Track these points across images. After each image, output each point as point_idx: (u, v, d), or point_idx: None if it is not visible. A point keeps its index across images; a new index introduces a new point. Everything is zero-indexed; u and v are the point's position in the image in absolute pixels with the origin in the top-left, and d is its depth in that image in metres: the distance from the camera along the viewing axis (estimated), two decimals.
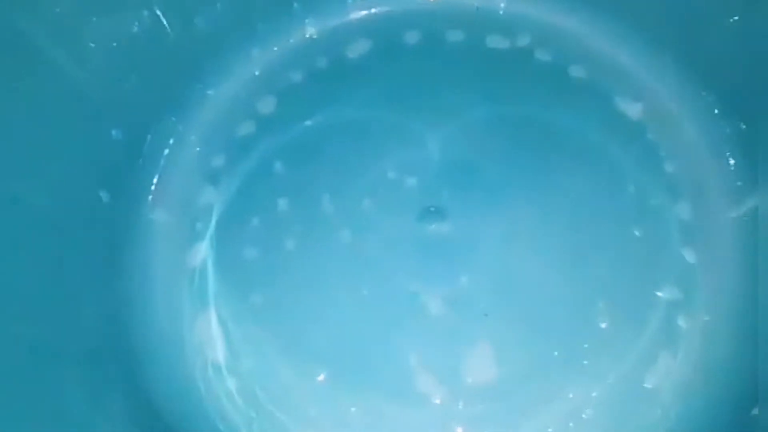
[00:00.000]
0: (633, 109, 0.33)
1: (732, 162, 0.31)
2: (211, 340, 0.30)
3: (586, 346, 0.28)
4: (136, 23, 0.32)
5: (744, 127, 0.31)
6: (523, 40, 0.35)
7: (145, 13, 0.32)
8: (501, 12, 0.35)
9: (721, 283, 0.29)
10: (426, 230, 0.31)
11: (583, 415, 0.27)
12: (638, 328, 0.28)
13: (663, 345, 0.28)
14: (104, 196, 0.31)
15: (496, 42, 0.35)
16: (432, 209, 0.31)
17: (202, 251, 0.31)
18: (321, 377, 0.29)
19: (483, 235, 0.31)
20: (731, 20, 0.30)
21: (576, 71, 0.34)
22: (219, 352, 0.29)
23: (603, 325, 0.29)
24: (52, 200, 0.29)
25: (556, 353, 0.28)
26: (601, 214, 0.31)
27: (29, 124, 0.28)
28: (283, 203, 0.32)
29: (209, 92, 0.35)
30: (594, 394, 0.27)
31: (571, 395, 0.27)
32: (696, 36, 0.32)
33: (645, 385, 0.28)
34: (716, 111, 0.32)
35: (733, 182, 0.31)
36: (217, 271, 0.31)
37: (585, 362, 0.28)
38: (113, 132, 0.31)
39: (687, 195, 0.31)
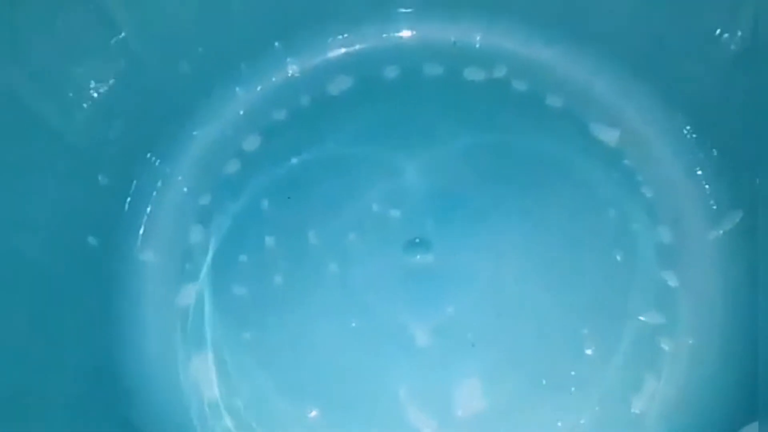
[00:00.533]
0: (609, 136, 0.34)
1: (707, 186, 0.32)
2: (206, 379, 0.30)
3: (572, 373, 0.29)
4: (119, 70, 0.32)
5: (715, 151, 0.32)
6: (500, 72, 0.36)
7: (126, 60, 0.32)
8: (477, 45, 0.36)
9: (703, 305, 0.30)
10: (411, 261, 0.32)
11: None
12: (623, 353, 0.29)
13: (648, 369, 0.29)
14: (93, 240, 0.31)
15: (473, 74, 0.36)
16: (417, 240, 0.32)
17: (193, 291, 0.32)
18: (313, 413, 0.29)
19: (467, 265, 0.31)
20: (703, 48, 0.31)
21: (552, 100, 0.35)
22: (214, 390, 0.30)
23: (588, 352, 0.29)
24: (40, 247, 0.29)
25: (543, 381, 0.29)
26: (582, 240, 0.31)
27: (14, 173, 0.29)
28: (270, 240, 0.33)
29: (194, 133, 0.35)
30: (582, 421, 0.28)
31: (559, 423, 0.28)
32: (669, 64, 0.33)
33: (632, 410, 0.28)
34: (690, 135, 0.33)
35: (710, 205, 0.31)
36: (209, 309, 0.31)
37: (572, 389, 0.28)
38: (99, 177, 0.32)
39: (666, 219, 0.32)
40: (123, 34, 0.32)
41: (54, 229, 0.29)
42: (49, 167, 0.30)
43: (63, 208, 0.30)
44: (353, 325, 0.30)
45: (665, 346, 0.29)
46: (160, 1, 0.32)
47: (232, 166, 0.35)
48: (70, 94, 0.31)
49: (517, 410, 0.28)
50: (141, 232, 0.33)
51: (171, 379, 0.30)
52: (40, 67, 0.30)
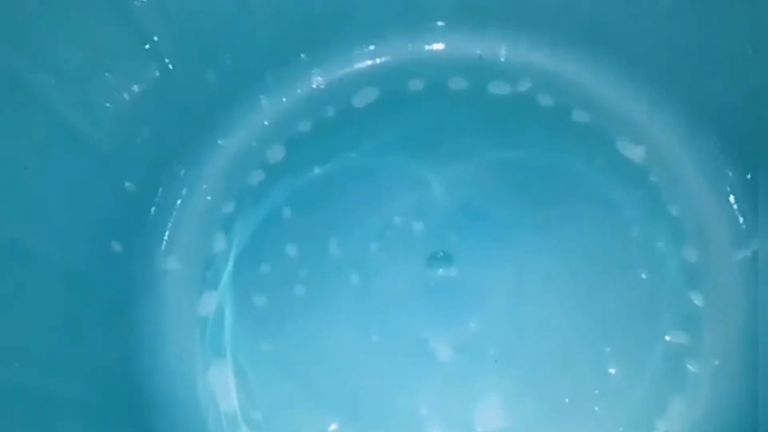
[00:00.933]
0: (636, 153, 0.33)
1: (735, 205, 0.31)
2: (224, 390, 0.30)
3: (596, 392, 0.28)
4: (147, 77, 0.33)
5: (745, 169, 0.31)
6: (525, 86, 0.36)
7: (156, 66, 0.33)
8: (502, 59, 0.36)
9: (729, 326, 0.29)
10: (434, 275, 0.31)
11: None
12: (647, 373, 0.29)
13: (673, 390, 0.28)
14: (117, 246, 0.31)
15: (498, 88, 0.36)
16: (440, 254, 0.32)
17: (214, 300, 0.32)
18: (333, 426, 0.29)
19: (491, 280, 0.31)
20: (732, 65, 0.31)
21: (578, 115, 0.35)
22: (232, 401, 0.30)
23: (612, 371, 0.29)
24: (64, 252, 0.29)
25: (566, 400, 0.28)
26: (606, 258, 0.31)
27: (42, 178, 0.29)
28: (291, 249, 0.33)
29: (220, 142, 0.35)
30: None
31: None
32: (697, 80, 0.32)
33: (656, 431, 0.28)
34: (718, 154, 0.32)
35: (737, 224, 0.31)
36: (229, 319, 0.31)
37: (596, 409, 0.28)
38: (126, 184, 0.32)
39: (692, 238, 0.31)
40: (155, 40, 0.32)
41: (79, 234, 0.30)
42: (76, 171, 0.30)
43: (89, 213, 0.30)
44: (374, 338, 0.30)
45: (691, 367, 0.29)
46: (193, 11, 0.32)
47: (256, 176, 0.35)
48: (100, 100, 0.31)
49: (539, 428, 0.28)
50: (165, 239, 0.33)
51: (189, 389, 0.30)
52: (71, 71, 0.30)
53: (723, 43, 0.31)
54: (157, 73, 0.33)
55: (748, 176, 0.31)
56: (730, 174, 0.32)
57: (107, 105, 0.32)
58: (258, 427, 0.29)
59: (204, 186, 0.34)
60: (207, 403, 0.30)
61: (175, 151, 0.34)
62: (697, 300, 0.30)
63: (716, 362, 0.29)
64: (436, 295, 0.31)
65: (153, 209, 0.33)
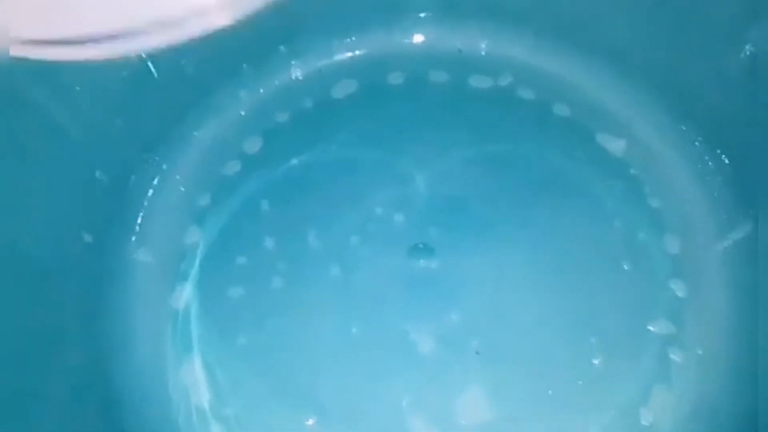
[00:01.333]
0: (616, 146, 0.33)
1: (716, 195, 0.31)
2: (195, 384, 0.29)
3: (580, 383, 0.28)
4: (123, 68, 0.32)
5: (726, 159, 0.31)
6: (506, 80, 0.35)
7: (132, 58, 0.32)
8: (483, 53, 0.36)
9: (713, 316, 0.29)
10: (415, 266, 0.31)
11: None
12: (632, 363, 0.28)
13: (658, 380, 0.28)
14: (87, 237, 0.30)
15: (478, 81, 0.35)
16: (420, 246, 0.31)
17: (187, 292, 0.31)
18: (311, 421, 0.28)
19: (472, 272, 0.30)
20: (712, 58, 0.31)
21: (558, 109, 0.35)
22: (204, 396, 0.28)
23: (596, 362, 0.28)
24: (34, 241, 0.28)
25: (550, 392, 0.28)
26: (589, 249, 0.31)
27: (11, 164, 0.28)
28: (269, 241, 0.32)
29: (195, 133, 0.35)
30: None
31: None
32: (677, 73, 0.33)
33: (642, 422, 0.27)
34: (698, 144, 0.33)
35: (719, 214, 0.31)
36: (202, 312, 0.30)
37: (580, 400, 0.27)
38: (97, 173, 0.31)
39: (674, 228, 0.31)
40: None
41: (49, 223, 0.28)
42: (46, 159, 0.29)
43: (59, 203, 0.29)
44: (354, 331, 0.29)
45: (675, 357, 0.28)
46: None
47: (232, 167, 0.34)
48: (76, 88, 0.30)
49: (523, 421, 0.27)
50: (136, 230, 0.32)
51: (160, 384, 0.29)
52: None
53: (704, 38, 0.31)
54: (134, 64, 0.32)
55: (729, 167, 0.31)
56: (711, 165, 0.32)
57: (81, 93, 0.31)
58: (230, 422, 0.28)
59: (177, 177, 0.33)
60: (178, 398, 0.28)
61: (148, 141, 0.33)
62: (680, 290, 0.30)
63: (699, 351, 0.28)
64: (417, 287, 0.30)
65: (124, 200, 0.32)
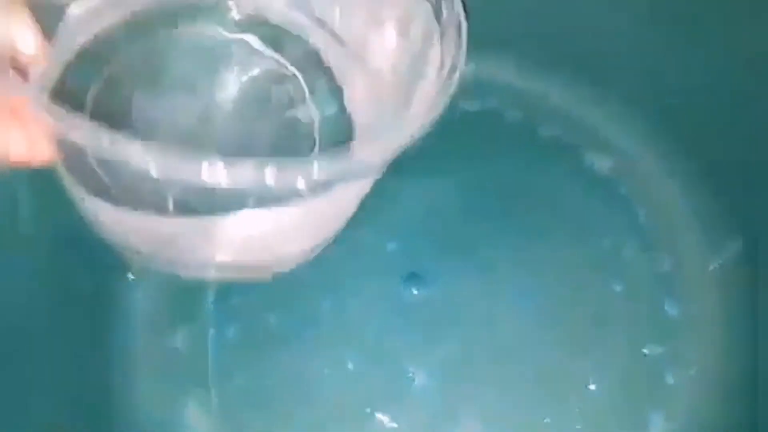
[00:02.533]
0: (604, 165, 0.34)
1: (705, 212, 0.32)
2: (195, 425, 0.29)
3: (576, 410, 0.28)
4: None
5: (714, 177, 0.32)
6: (492, 102, 0.35)
7: None
8: (470, 76, 0.36)
9: (706, 335, 0.29)
10: (408, 295, 0.31)
11: None
12: (627, 387, 0.28)
13: (653, 403, 0.28)
14: (85, 277, 0.30)
15: (466, 105, 0.35)
16: (413, 274, 0.31)
17: (186, 331, 0.31)
18: None
19: (465, 299, 0.31)
20: (698, 77, 0.31)
21: (545, 130, 0.35)
22: None
23: (592, 387, 0.28)
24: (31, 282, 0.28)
25: (547, 420, 0.28)
26: (580, 272, 0.31)
27: None
28: None
29: None
30: None
31: None
32: (663, 92, 0.33)
33: None
34: (687, 164, 0.33)
35: (708, 233, 0.31)
36: (201, 352, 0.30)
37: (578, 427, 0.28)
38: None
39: (664, 248, 0.31)
40: None
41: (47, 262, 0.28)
42: None
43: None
44: (350, 366, 0.30)
45: (669, 380, 0.29)
46: None
47: None
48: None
49: None
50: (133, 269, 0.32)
51: (161, 424, 0.29)
52: None
53: (689, 57, 0.31)
54: None
55: (717, 184, 0.32)
56: (699, 183, 0.32)
57: None
58: None
59: None
60: None
61: None
62: (672, 310, 0.30)
63: (692, 372, 0.29)
64: (411, 316, 0.30)
65: None
